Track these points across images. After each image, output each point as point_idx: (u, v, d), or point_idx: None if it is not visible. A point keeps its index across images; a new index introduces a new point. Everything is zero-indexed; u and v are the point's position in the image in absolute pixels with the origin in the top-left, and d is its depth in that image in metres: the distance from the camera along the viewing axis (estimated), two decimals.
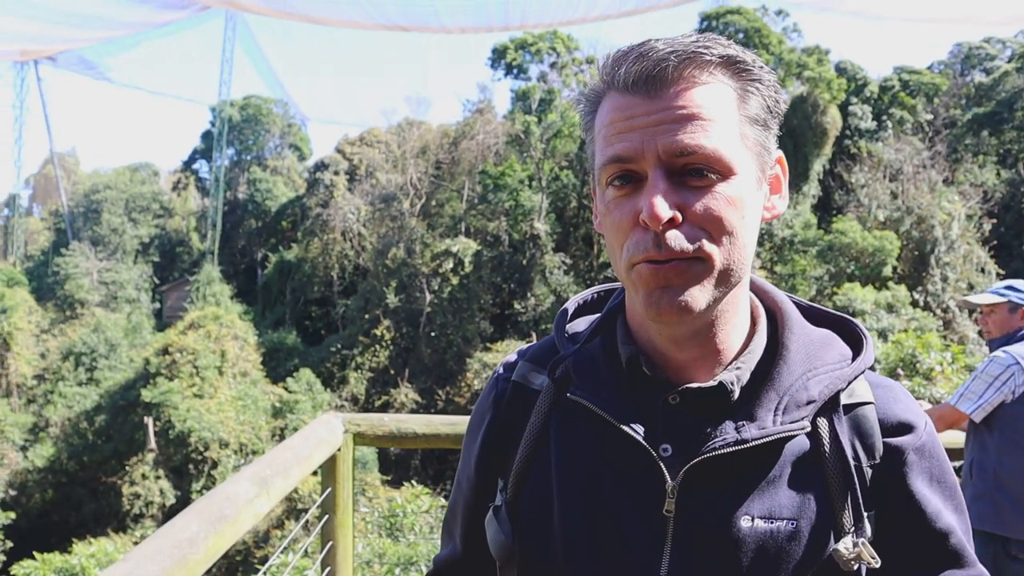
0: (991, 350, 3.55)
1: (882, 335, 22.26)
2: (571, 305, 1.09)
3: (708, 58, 0.85)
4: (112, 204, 41.74)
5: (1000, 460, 3.26)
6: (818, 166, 30.90)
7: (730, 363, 0.93)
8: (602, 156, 0.87)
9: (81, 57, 40.06)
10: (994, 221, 29.80)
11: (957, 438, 3.47)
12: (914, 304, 26.22)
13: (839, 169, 31.53)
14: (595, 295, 1.11)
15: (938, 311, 27.12)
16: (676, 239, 0.83)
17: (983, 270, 28.52)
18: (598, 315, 1.05)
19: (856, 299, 24.48)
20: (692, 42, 0.85)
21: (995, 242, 29.52)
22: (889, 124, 33.12)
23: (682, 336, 0.91)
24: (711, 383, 0.91)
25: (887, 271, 26.89)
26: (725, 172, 0.85)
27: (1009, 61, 36.58)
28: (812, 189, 30.94)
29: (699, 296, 0.86)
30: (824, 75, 30.37)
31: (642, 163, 0.85)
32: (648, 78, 0.84)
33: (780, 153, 0.94)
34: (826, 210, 31.01)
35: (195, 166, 50.06)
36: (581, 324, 1.06)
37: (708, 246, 0.85)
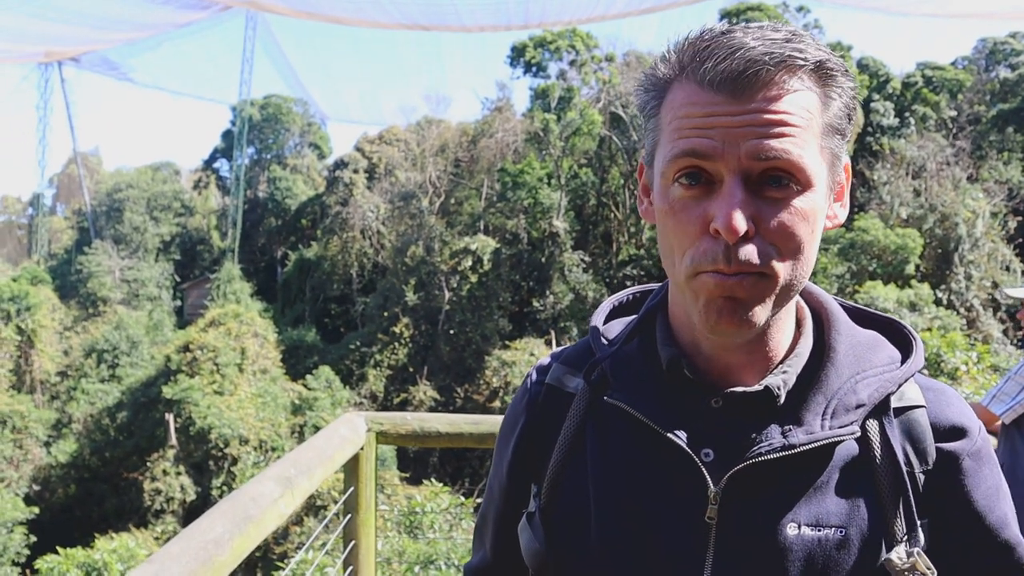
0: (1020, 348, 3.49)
1: None
2: (606, 306, 1.06)
3: (801, 62, 0.81)
4: (134, 203, 42.11)
5: None
6: None
7: (775, 367, 0.90)
8: (673, 148, 0.83)
9: (104, 58, 40.45)
10: (1019, 218, 29.43)
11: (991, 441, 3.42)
12: (937, 303, 25.95)
13: (861, 166, 31.25)
14: (631, 296, 1.08)
15: (962, 310, 26.84)
16: (748, 253, 0.80)
17: (1008, 268, 28.18)
18: (635, 316, 1.01)
19: (878, 297, 24.26)
20: (784, 42, 0.81)
21: (1020, 240, 29.16)
22: (912, 121, 32.78)
23: (732, 342, 0.89)
24: (757, 387, 0.88)
25: (910, 269, 26.64)
26: (804, 184, 0.81)
27: None
28: None
29: (761, 312, 0.83)
30: None
31: (718, 164, 0.80)
32: (737, 78, 0.80)
33: (847, 160, 0.90)
34: (848, 207, 30.74)
35: (216, 165, 50.41)
36: (616, 327, 1.03)
37: (776, 263, 0.81)
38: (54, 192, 59.10)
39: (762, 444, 0.86)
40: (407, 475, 23.35)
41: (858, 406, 0.88)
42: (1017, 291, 3.59)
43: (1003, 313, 27.67)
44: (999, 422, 3.31)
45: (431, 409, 26.81)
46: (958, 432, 0.91)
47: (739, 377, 0.90)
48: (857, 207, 30.42)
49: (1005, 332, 26.67)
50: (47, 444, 26.84)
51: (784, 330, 0.91)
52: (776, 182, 0.80)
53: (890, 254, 26.65)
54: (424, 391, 27.93)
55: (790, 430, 0.86)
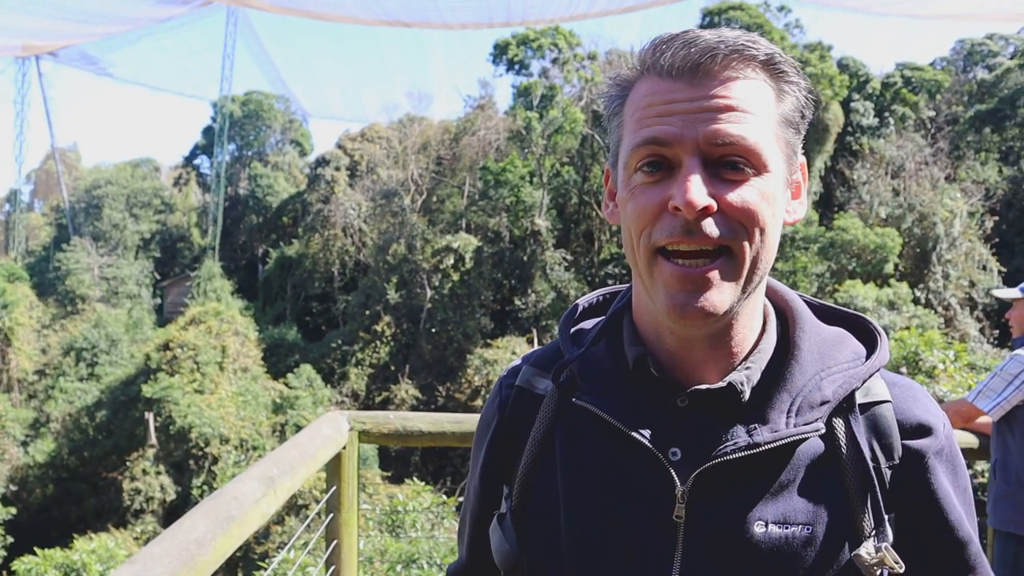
0: (1012, 349, 3.53)
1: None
2: (578, 306, 1.07)
3: (753, 53, 0.84)
4: (113, 200, 41.70)
5: (1022, 462, 3.25)
6: (820, 163, 30.86)
7: (739, 363, 0.91)
8: (634, 138, 0.85)
9: (83, 52, 40.00)
10: (996, 218, 29.77)
11: (970, 439, 3.45)
12: (915, 301, 26.20)
13: (841, 166, 31.50)
14: (600, 297, 1.09)
15: (939, 308, 27.11)
16: (710, 227, 0.81)
17: (985, 267, 28.50)
18: (603, 317, 1.02)
19: (857, 296, 24.46)
20: (737, 37, 0.84)
21: (997, 239, 29.50)
22: (891, 121, 33.07)
23: (696, 337, 0.89)
24: (720, 384, 0.88)
25: (889, 268, 26.87)
26: (760, 167, 0.84)
27: (1012, 58, 36.49)
28: (814, 186, 30.88)
29: (724, 297, 0.83)
30: (826, 71, 30.30)
31: (678, 149, 0.83)
32: (694, 65, 0.83)
33: (803, 159, 0.93)
34: (827, 207, 30.98)
35: (196, 162, 50.02)
36: (587, 326, 1.03)
37: (740, 240, 0.83)
38: (32, 188, 58.47)
39: (727, 443, 0.87)
40: (389, 474, 23.30)
41: (823, 403, 0.88)
42: (1004, 292, 3.62)
43: (980, 312, 27.99)
44: (984, 418, 3.34)
45: (413, 408, 26.76)
46: (924, 429, 0.92)
47: (704, 375, 0.91)
48: (837, 206, 30.65)
49: (982, 331, 26.98)
50: (24, 444, 26.55)
51: (749, 326, 0.92)
52: (732, 166, 0.83)
53: (869, 253, 26.88)
54: (406, 389, 27.87)
55: (755, 428, 0.87)
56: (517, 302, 29.04)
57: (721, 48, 0.83)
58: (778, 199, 0.86)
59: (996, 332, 26.15)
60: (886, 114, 33.27)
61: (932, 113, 34.55)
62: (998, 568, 3.19)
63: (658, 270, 0.84)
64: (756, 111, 0.84)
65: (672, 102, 0.83)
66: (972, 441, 3.44)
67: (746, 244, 0.83)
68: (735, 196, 0.82)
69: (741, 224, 0.83)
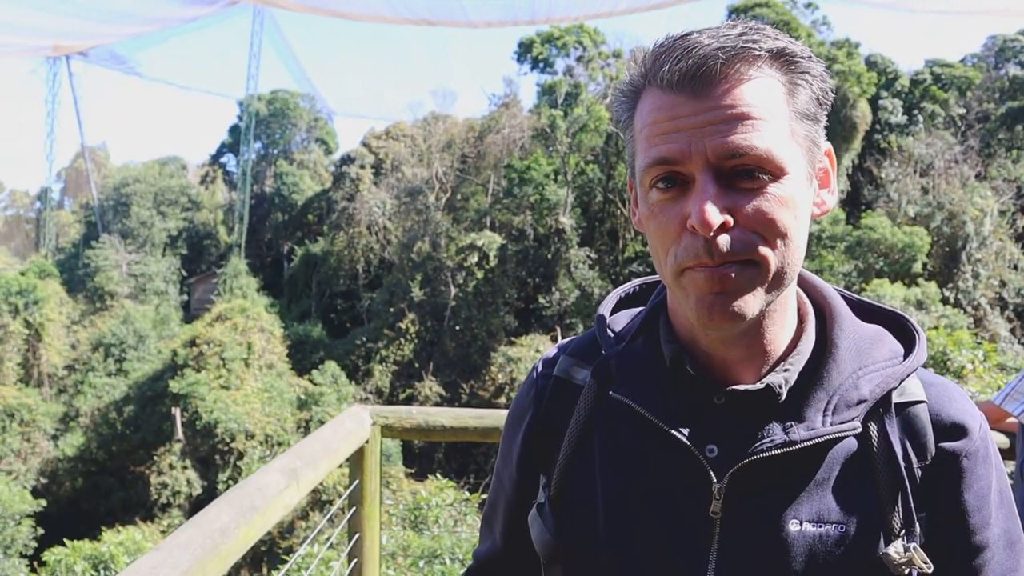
0: None
1: None
2: (612, 299, 1.07)
3: (756, 52, 0.82)
4: (141, 197, 42.21)
5: None
6: (847, 161, 30.55)
7: (777, 362, 0.91)
8: (645, 157, 0.84)
9: (112, 52, 40.55)
10: None
11: (1000, 439, 3.39)
12: (944, 301, 25.88)
13: (868, 164, 31.16)
14: (636, 288, 1.09)
15: (969, 308, 26.75)
16: (728, 243, 0.81)
17: (1016, 267, 28.09)
18: (640, 309, 1.03)
19: (885, 296, 24.19)
20: (738, 35, 0.82)
21: None
22: (920, 118, 32.66)
23: (728, 337, 0.89)
24: (758, 386, 0.88)
25: (917, 267, 26.56)
26: (777, 172, 0.82)
27: None
28: (841, 184, 30.58)
29: (752, 302, 0.83)
30: (854, 68, 29.98)
31: (689, 165, 0.82)
32: (693, 76, 0.81)
33: (828, 145, 0.91)
34: (855, 205, 30.66)
35: (223, 160, 50.49)
36: (622, 319, 1.04)
37: (762, 249, 0.82)
38: (62, 186, 59.34)
39: (764, 440, 0.87)
40: (412, 470, 23.40)
41: (860, 402, 0.88)
42: None
43: (1011, 312, 27.57)
44: (1010, 419, 3.28)
45: (437, 405, 26.85)
46: (959, 430, 0.91)
47: (740, 373, 0.91)
48: (864, 205, 30.33)
49: (1012, 331, 26.59)
50: (54, 437, 26.98)
51: (784, 325, 0.91)
52: (748, 175, 0.81)
53: (897, 252, 26.58)
54: (430, 387, 27.97)
55: (791, 426, 0.87)
56: (541, 300, 29.04)
57: (720, 54, 0.80)
58: (800, 199, 0.85)
59: None
60: (915, 111, 32.86)
61: (962, 110, 34.07)
62: None
63: (687, 280, 0.84)
64: (765, 114, 0.81)
65: (676, 118, 0.82)
66: (1003, 441, 3.39)
67: (768, 252, 0.82)
68: (751, 207, 0.81)
69: (760, 234, 0.82)
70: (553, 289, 29.00)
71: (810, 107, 0.86)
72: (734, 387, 0.89)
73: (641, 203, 0.89)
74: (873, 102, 31.16)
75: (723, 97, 0.81)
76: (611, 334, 1.01)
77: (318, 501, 20.30)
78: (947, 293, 26.71)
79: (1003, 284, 27.76)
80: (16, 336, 29.47)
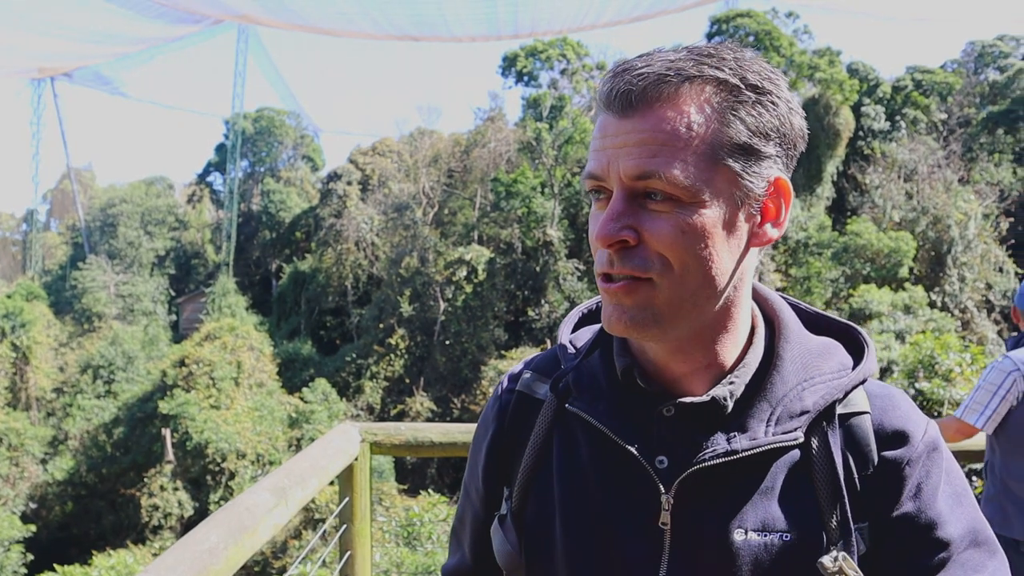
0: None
1: (899, 337, 22.10)
2: (574, 315, 1.09)
3: (690, 79, 0.82)
4: (128, 218, 42.07)
5: (1006, 463, 3.23)
6: (831, 168, 30.74)
7: (725, 375, 0.92)
8: (584, 171, 0.89)
9: (97, 73, 40.50)
10: (1011, 220, 29.54)
11: (974, 441, 3.42)
12: (931, 305, 26.02)
13: (853, 170, 31.37)
14: (598, 304, 1.10)
15: (956, 311, 26.90)
16: (625, 260, 0.84)
17: (1001, 269, 28.28)
18: (599, 325, 1.04)
19: (872, 301, 24.32)
20: (677, 60, 0.83)
21: (1012, 241, 29.27)
22: (903, 124, 32.94)
23: (668, 350, 0.91)
24: (704, 398, 0.90)
25: (903, 272, 26.71)
26: (686, 199, 0.83)
27: (1023, 58, 36.32)
28: (826, 191, 30.78)
29: (646, 318, 0.86)
30: (836, 76, 30.23)
31: (609, 182, 0.85)
32: (622, 97, 0.83)
33: (780, 177, 0.88)
34: (840, 212, 30.85)
35: (209, 179, 50.39)
36: (584, 334, 1.05)
37: (661, 273, 0.84)
38: (48, 208, 59.00)
39: (707, 451, 0.89)
40: (405, 486, 23.30)
41: (802, 413, 0.90)
42: None
43: (997, 314, 27.75)
44: (981, 432, 3.30)
45: (428, 420, 26.76)
46: (901, 438, 0.92)
47: (689, 385, 0.93)
48: (850, 211, 30.51)
49: (1000, 333, 26.74)
50: (43, 461, 26.73)
51: (729, 339, 0.93)
52: (656, 196, 0.83)
53: (883, 257, 26.73)
54: (421, 402, 27.89)
55: (735, 436, 0.89)
56: (531, 313, 29.03)
57: (651, 76, 0.82)
58: (716, 230, 0.84)
59: (1015, 334, 25.89)
60: (897, 118, 33.14)
61: (944, 116, 34.39)
62: None
63: (601, 289, 0.89)
64: (682, 142, 0.82)
65: (603, 136, 0.86)
66: (975, 443, 3.42)
67: (664, 276, 0.84)
68: (652, 229, 0.83)
69: (661, 256, 0.84)
70: (542, 302, 29.01)
71: (746, 139, 0.84)
72: (682, 399, 0.91)
73: None
74: (856, 109, 31.39)
75: (642, 120, 0.83)
76: (571, 349, 1.02)
77: (311, 520, 20.18)
78: (934, 297, 26.86)
79: (989, 287, 27.95)
80: (3, 359, 29.23)
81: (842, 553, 0.87)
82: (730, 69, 0.83)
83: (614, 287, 0.86)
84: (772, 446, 0.88)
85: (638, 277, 0.85)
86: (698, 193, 0.83)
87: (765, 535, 0.88)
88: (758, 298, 1.00)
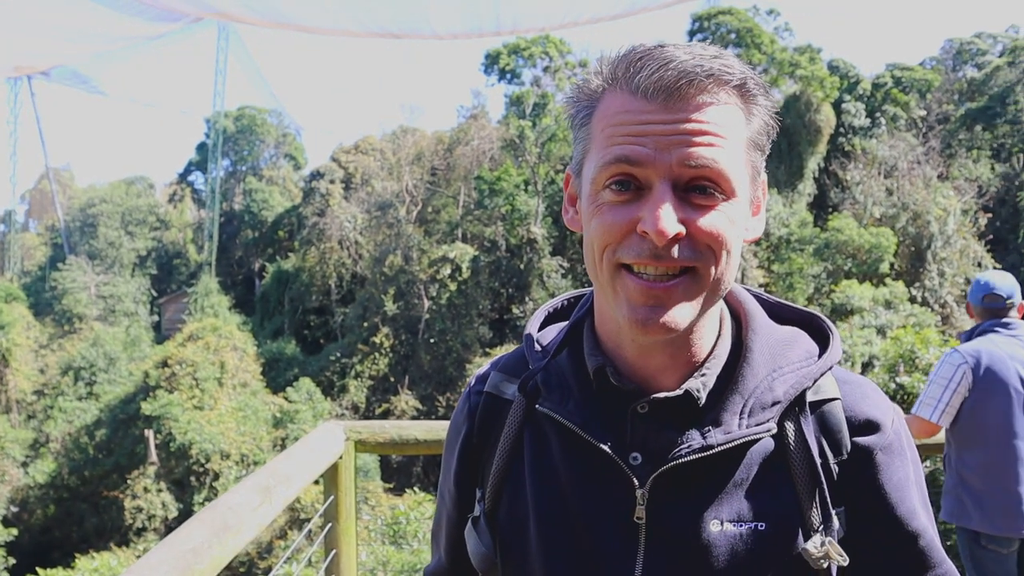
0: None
1: (880, 332, 22.29)
2: (540, 314, 1.09)
3: (728, 78, 0.85)
4: (108, 218, 41.72)
5: (960, 456, 3.28)
6: (813, 164, 30.95)
7: (697, 368, 0.93)
8: (605, 154, 0.85)
9: (74, 71, 40.09)
10: (989, 215, 29.87)
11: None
12: (912, 300, 26.25)
13: (834, 167, 31.60)
14: (564, 302, 1.11)
15: (936, 306, 27.17)
16: (678, 252, 0.83)
17: (980, 264, 28.57)
18: (567, 323, 1.04)
19: (854, 296, 24.50)
20: (713, 57, 0.85)
21: (991, 236, 29.59)
22: (883, 121, 33.20)
23: (655, 347, 0.91)
24: (678, 392, 0.90)
25: (884, 267, 26.94)
26: (729, 192, 0.85)
27: (1000, 56, 36.70)
28: (807, 187, 30.98)
29: (687, 313, 0.86)
30: (817, 73, 30.43)
31: (649, 171, 0.83)
32: (670, 88, 0.83)
33: (765, 176, 0.94)
34: (822, 208, 31.07)
35: (191, 178, 50.06)
36: (551, 333, 1.05)
37: (707, 263, 0.85)
38: (26, 208, 58.42)
39: (683, 446, 0.89)
40: (391, 486, 23.26)
41: (774, 403, 0.91)
42: None
43: None
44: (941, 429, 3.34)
45: (414, 419, 26.72)
46: (872, 426, 0.94)
47: (662, 382, 0.93)
48: (831, 207, 30.72)
49: None
50: (24, 464, 26.46)
51: (706, 333, 0.94)
52: (702, 190, 0.83)
53: (864, 253, 26.94)
54: (406, 401, 27.84)
55: (709, 431, 0.90)
56: (515, 310, 29.04)
57: (699, 72, 0.83)
58: (742, 221, 0.88)
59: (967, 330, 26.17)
60: (877, 114, 33.40)
61: (923, 112, 34.70)
62: (955, 558, 3.22)
63: (621, 284, 0.86)
64: (728, 136, 0.84)
65: (646, 123, 0.83)
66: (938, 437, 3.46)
67: (712, 267, 0.85)
68: (705, 222, 0.83)
69: (709, 248, 0.84)
70: (526, 299, 29.02)
71: (760, 138, 0.89)
72: (655, 395, 0.91)
73: (587, 200, 0.89)
74: (836, 106, 31.61)
75: (695, 112, 0.83)
76: (538, 348, 1.02)
77: (296, 520, 20.10)
78: (914, 292, 27.11)
79: (968, 282, 28.21)
80: None
81: (827, 538, 0.88)
82: (739, 70, 0.86)
83: (657, 288, 0.84)
84: (747, 438, 0.89)
85: (687, 268, 0.84)
86: (736, 188, 0.85)
87: (741, 525, 0.89)
88: None
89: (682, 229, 0.82)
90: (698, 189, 0.83)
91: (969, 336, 3.44)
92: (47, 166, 48.18)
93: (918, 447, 1.16)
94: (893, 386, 10.26)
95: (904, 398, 9.83)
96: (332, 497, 2.94)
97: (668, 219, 0.81)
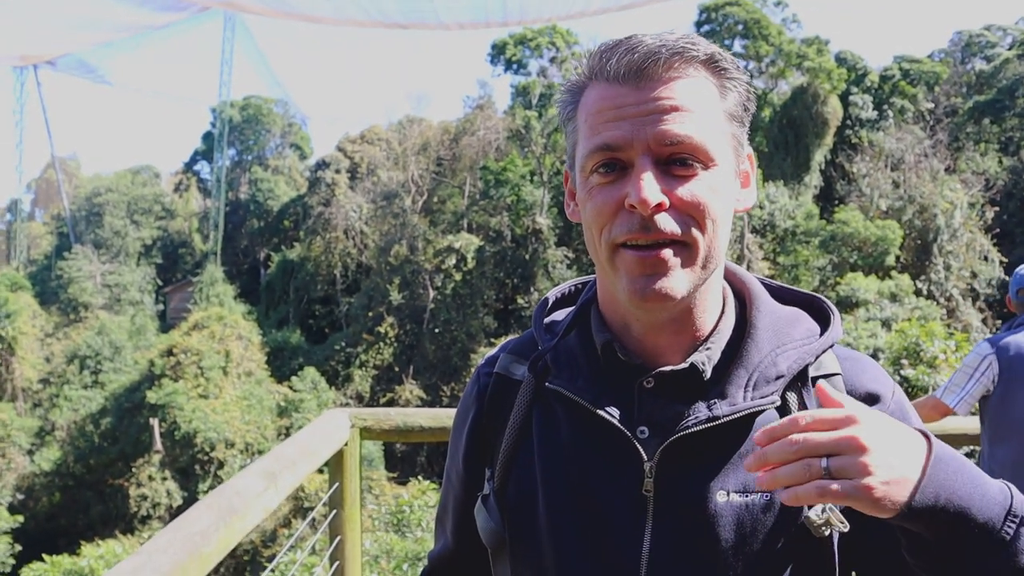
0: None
1: (886, 324, 22.25)
2: (550, 298, 1.12)
3: (694, 54, 0.89)
4: (114, 207, 41.79)
5: (991, 451, 3.26)
6: (819, 156, 30.86)
7: (700, 344, 0.96)
8: (589, 143, 0.90)
9: (80, 61, 40.04)
10: (996, 209, 29.75)
11: (968, 424, 3.44)
12: (917, 293, 26.21)
13: (840, 159, 31.50)
14: (570, 289, 1.14)
15: (941, 299, 27.11)
16: (663, 222, 0.87)
17: (986, 258, 28.50)
18: (574, 307, 1.07)
19: (859, 289, 24.46)
20: (679, 38, 0.89)
21: (998, 230, 29.48)
22: (890, 113, 33.06)
23: (659, 321, 0.94)
24: (683, 365, 0.93)
25: (890, 260, 26.88)
26: (707, 161, 0.88)
27: (1010, 48, 36.47)
28: (814, 179, 30.90)
29: (682, 282, 0.89)
30: (824, 65, 30.30)
31: (630, 151, 0.87)
32: (638, 70, 0.87)
33: (750, 150, 0.98)
34: (828, 200, 30.99)
35: (196, 167, 50.11)
36: (560, 316, 1.09)
37: (694, 232, 0.88)
38: (32, 197, 58.59)
39: (689, 418, 0.92)
40: (395, 475, 23.35)
41: (778, 377, 0.94)
42: None
43: (982, 302, 27.97)
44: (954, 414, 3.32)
45: (418, 408, 26.79)
46: (872, 398, 0.97)
47: (668, 357, 0.96)
48: (837, 200, 30.64)
49: (984, 321, 26.97)
50: (30, 452, 26.62)
51: (708, 309, 0.97)
52: (682, 162, 0.87)
53: (870, 246, 26.88)
54: (410, 390, 27.92)
55: (715, 403, 0.92)
56: (520, 301, 29.07)
57: (663, 51, 0.87)
58: (727, 190, 0.91)
59: (999, 322, 26.14)
60: (885, 107, 33.26)
61: (931, 105, 34.53)
62: None
63: (620, 260, 0.90)
64: (700, 109, 0.88)
65: (620, 107, 0.88)
66: (970, 427, 3.44)
67: (699, 235, 0.88)
68: (685, 191, 0.87)
69: (693, 217, 0.88)
70: (531, 289, 29.04)
71: (737, 110, 0.93)
72: (661, 369, 0.94)
73: (580, 188, 0.94)
74: (844, 98, 31.50)
75: (664, 89, 0.87)
76: (547, 330, 1.06)
77: (300, 508, 20.19)
78: (920, 285, 27.05)
79: (974, 275, 28.16)
80: None
81: (828, 505, 0.89)
82: (706, 46, 0.90)
83: (650, 257, 0.88)
84: (752, 410, 0.92)
85: (676, 240, 0.88)
86: (715, 157, 0.89)
87: (747, 495, 0.91)
88: (726, 272, 1.05)
89: (664, 199, 0.86)
90: (678, 161, 0.88)
91: (1009, 328, 3.43)
92: (53, 155, 48.28)
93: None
94: (898, 379, 10.26)
95: (909, 390, 9.82)
96: (337, 484, 2.95)
97: (650, 188, 0.85)
